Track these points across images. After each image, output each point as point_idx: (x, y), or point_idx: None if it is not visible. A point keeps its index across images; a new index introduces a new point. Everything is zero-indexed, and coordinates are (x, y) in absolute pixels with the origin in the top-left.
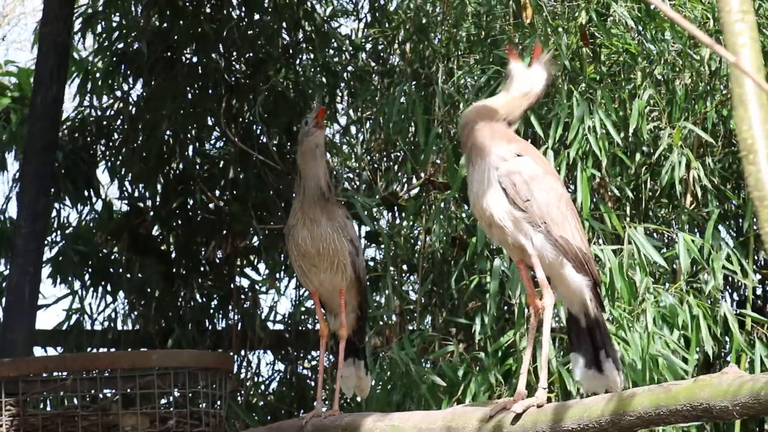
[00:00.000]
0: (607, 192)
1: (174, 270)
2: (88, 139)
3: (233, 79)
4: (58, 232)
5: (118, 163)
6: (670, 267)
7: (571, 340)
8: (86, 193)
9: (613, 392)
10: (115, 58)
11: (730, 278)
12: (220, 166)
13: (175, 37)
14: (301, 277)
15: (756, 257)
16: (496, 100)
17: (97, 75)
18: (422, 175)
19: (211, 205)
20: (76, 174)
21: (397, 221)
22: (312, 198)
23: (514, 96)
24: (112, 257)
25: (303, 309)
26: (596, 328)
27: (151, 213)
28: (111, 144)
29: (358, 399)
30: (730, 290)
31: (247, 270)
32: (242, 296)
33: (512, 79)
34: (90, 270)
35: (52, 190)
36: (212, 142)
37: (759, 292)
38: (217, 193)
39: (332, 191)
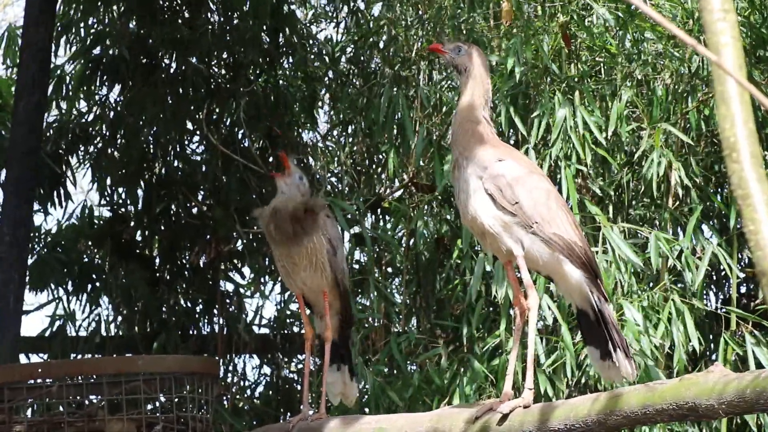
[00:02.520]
0: (589, 192)
1: (158, 275)
2: (63, 145)
3: (213, 83)
4: (37, 240)
5: (99, 168)
6: (654, 267)
7: (583, 334)
8: (56, 198)
9: (626, 381)
10: (91, 64)
11: (714, 276)
12: (203, 170)
13: (154, 43)
14: (285, 278)
15: (740, 255)
16: (465, 98)
17: (71, 81)
18: (405, 177)
19: (194, 210)
20: (43, 178)
21: (381, 224)
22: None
23: (468, 83)
24: (96, 263)
25: (288, 312)
26: (604, 320)
27: (134, 218)
28: (90, 149)
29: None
30: (714, 288)
31: (232, 274)
32: (227, 300)
33: (457, 74)
34: (73, 276)
35: None
36: (194, 146)
37: (743, 290)
38: (200, 197)
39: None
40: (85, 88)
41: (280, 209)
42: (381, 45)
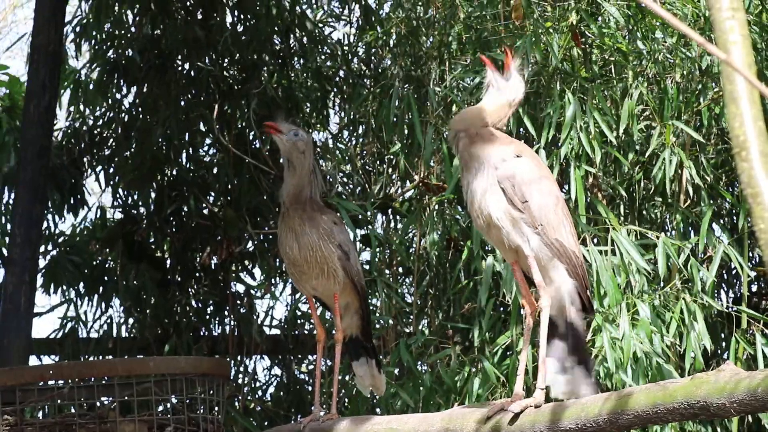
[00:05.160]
0: (601, 191)
1: (169, 276)
2: (78, 147)
3: (226, 84)
4: (50, 242)
5: (111, 170)
6: (662, 272)
7: (547, 344)
8: (72, 201)
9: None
10: (108, 67)
11: (725, 275)
12: (214, 171)
13: (167, 44)
14: (295, 283)
15: (751, 254)
16: (486, 106)
17: (90, 85)
18: (416, 177)
19: (205, 211)
20: (61, 182)
21: (392, 224)
22: (288, 206)
23: (499, 105)
24: (107, 265)
25: (299, 313)
26: (573, 333)
27: (145, 220)
28: (102, 152)
29: (358, 402)
30: (725, 287)
31: (243, 275)
32: (238, 301)
33: (493, 89)
34: (85, 278)
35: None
36: (205, 148)
37: (754, 289)
38: (211, 198)
39: (311, 199)
40: (102, 89)
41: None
42: (391, 44)
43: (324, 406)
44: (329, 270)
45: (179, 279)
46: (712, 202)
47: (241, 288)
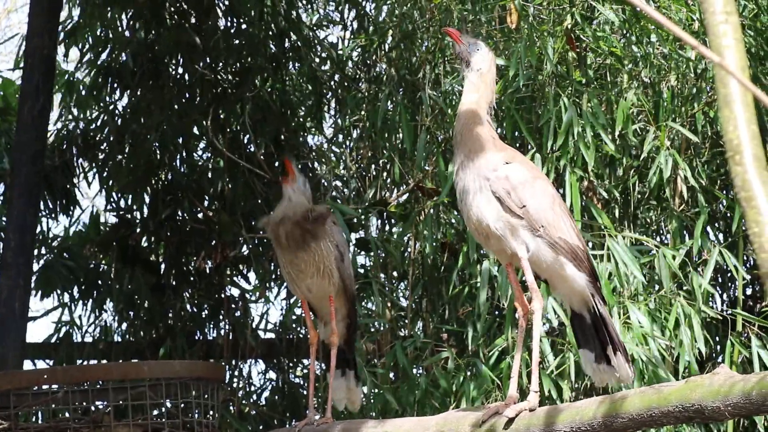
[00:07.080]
0: (596, 195)
1: (164, 281)
2: (68, 152)
3: (220, 88)
4: (43, 246)
5: (105, 174)
6: (667, 286)
7: (576, 337)
8: (65, 205)
9: (624, 384)
10: (102, 71)
11: (720, 278)
12: (208, 176)
13: (161, 48)
14: (290, 284)
15: (745, 257)
16: (470, 98)
17: (82, 90)
18: (410, 181)
19: (199, 215)
20: (54, 184)
21: (387, 228)
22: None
23: (478, 82)
24: (102, 269)
25: (294, 317)
26: (601, 323)
27: (140, 224)
28: (96, 156)
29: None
30: (720, 291)
31: (237, 279)
32: (233, 305)
33: (465, 68)
34: (79, 282)
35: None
36: (199, 152)
37: (749, 292)
38: (206, 203)
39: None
40: (95, 93)
41: (289, 216)
42: (386, 48)
43: (318, 410)
44: (325, 269)
45: (174, 283)
46: (706, 205)
47: (235, 292)
